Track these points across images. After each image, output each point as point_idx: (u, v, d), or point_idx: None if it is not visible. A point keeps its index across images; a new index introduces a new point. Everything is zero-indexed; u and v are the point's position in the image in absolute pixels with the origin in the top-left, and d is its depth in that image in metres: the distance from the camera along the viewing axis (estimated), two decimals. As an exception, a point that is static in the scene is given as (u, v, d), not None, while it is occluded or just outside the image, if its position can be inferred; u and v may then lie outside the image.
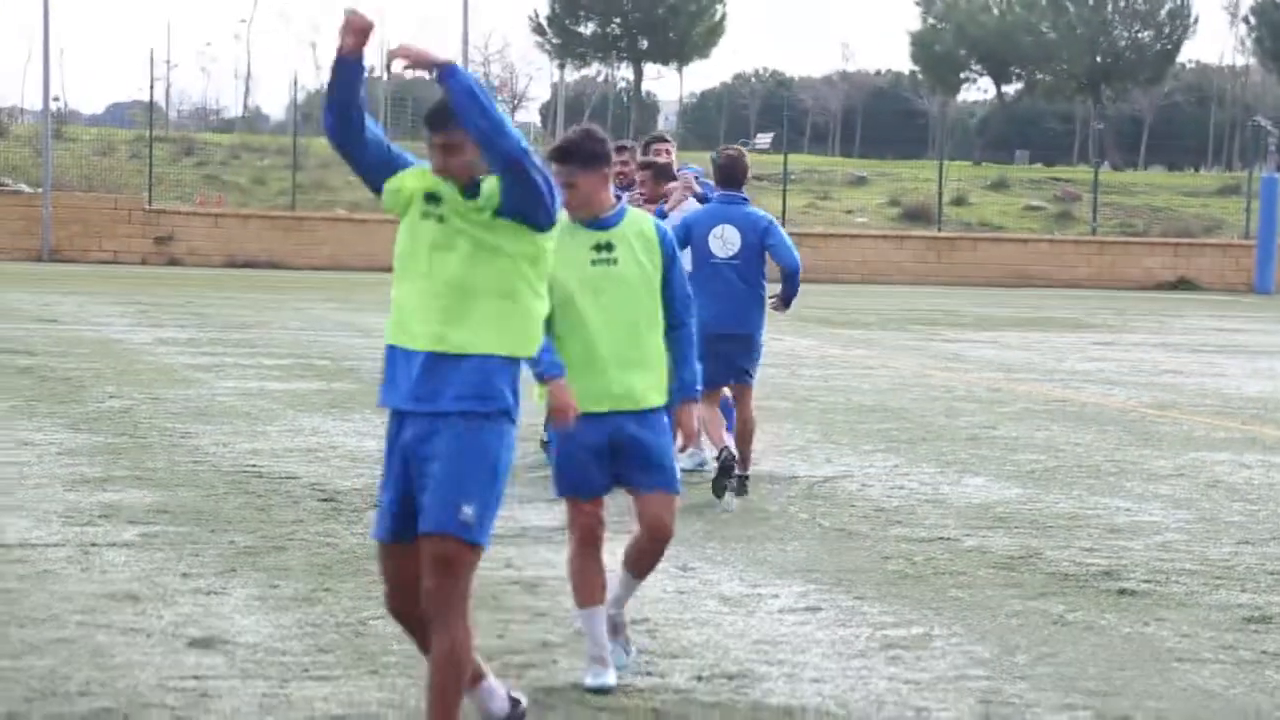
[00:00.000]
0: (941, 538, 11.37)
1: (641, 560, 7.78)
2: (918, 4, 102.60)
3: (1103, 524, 12.02)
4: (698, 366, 7.55)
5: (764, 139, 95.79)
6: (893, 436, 16.32)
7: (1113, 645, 8.64)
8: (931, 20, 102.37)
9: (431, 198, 6.05)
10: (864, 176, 69.76)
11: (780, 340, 27.95)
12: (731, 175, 12.92)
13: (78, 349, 21.66)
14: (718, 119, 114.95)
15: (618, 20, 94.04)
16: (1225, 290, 51.36)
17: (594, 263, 7.29)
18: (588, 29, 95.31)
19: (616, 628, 7.74)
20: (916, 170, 69.17)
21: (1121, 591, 9.85)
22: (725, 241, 12.74)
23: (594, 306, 7.26)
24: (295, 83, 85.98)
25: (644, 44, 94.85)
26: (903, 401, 19.33)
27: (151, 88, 61.99)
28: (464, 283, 6.00)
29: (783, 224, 55.28)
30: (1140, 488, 13.67)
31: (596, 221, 7.30)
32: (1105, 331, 31.14)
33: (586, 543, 7.53)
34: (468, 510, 5.99)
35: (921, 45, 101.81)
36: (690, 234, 12.71)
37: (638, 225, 7.40)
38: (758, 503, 12.46)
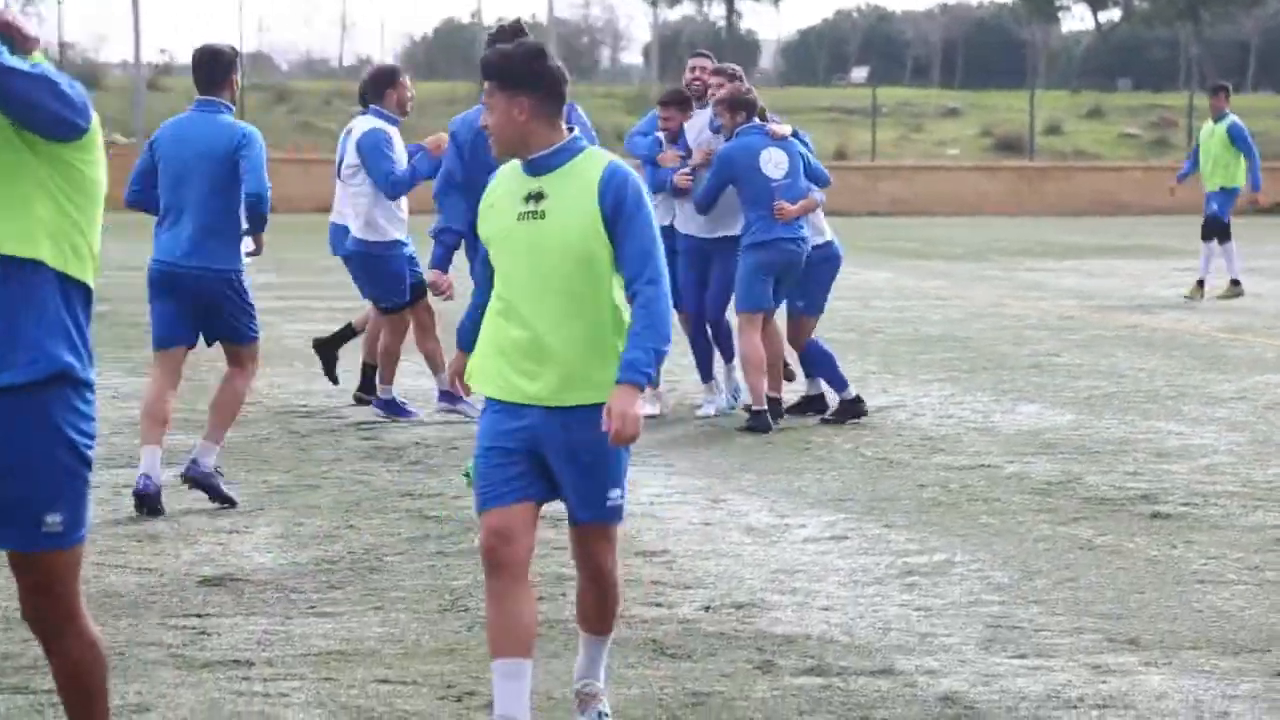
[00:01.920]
0: (983, 465, 11.29)
1: (586, 613, 6.14)
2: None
3: (1151, 448, 11.89)
4: (653, 349, 5.68)
5: (859, 73, 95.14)
6: (954, 366, 16.20)
7: (1135, 569, 8.56)
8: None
9: None
10: (957, 108, 69.17)
11: (857, 274, 27.77)
12: (752, 107, 12.91)
13: (151, 296, 21.82)
14: (819, 55, 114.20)
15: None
16: (1325, 214, 50.53)
17: (519, 216, 5.73)
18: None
19: (584, 700, 6.16)
20: (1012, 100, 68.51)
21: (1155, 515, 9.75)
22: (776, 164, 12.70)
23: (518, 271, 5.72)
24: (382, 28, 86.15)
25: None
26: (970, 331, 19.18)
27: (240, 35, 62.04)
28: None
29: (873, 158, 54.98)
30: (1197, 411, 13.51)
31: (531, 163, 5.75)
32: (1191, 257, 30.66)
33: (496, 570, 5.74)
34: (50, 520, 4.77)
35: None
36: (735, 167, 12.62)
37: (585, 168, 5.75)
38: (802, 434, 12.41)
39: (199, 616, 7.38)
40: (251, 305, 9.87)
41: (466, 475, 10.19)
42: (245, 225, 9.89)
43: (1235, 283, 23.15)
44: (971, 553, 8.89)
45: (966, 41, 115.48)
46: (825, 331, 18.76)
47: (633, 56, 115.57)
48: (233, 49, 10.23)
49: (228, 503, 9.60)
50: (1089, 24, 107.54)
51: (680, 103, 13.42)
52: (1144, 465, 11.27)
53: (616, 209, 5.67)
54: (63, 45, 55.03)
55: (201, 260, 9.70)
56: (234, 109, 10.05)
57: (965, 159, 57.09)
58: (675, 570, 8.43)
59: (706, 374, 13.45)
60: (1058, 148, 60.31)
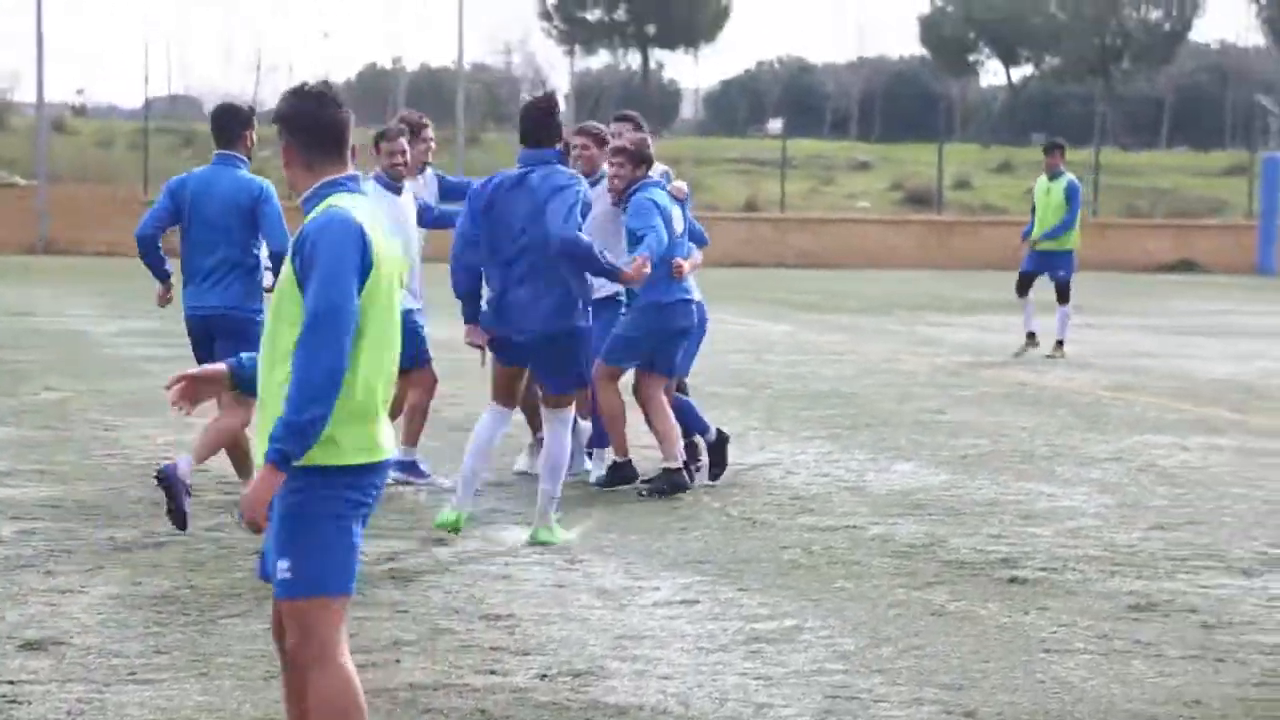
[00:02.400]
0: (848, 526, 11.19)
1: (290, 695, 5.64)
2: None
3: (1019, 510, 11.83)
4: (283, 420, 5.20)
5: (775, 124, 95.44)
6: (836, 423, 16.12)
7: (984, 636, 8.46)
8: (939, 2, 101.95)
9: None
10: (868, 161, 69.46)
11: (755, 326, 27.78)
12: (651, 160, 12.65)
13: (37, 341, 21.55)
14: (740, 106, 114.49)
15: (624, 5, 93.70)
16: (1228, 272, 50.95)
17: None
18: (594, 15, 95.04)
19: None
20: (922, 154, 68.85)
21: (1012, 580, 9.67)
22: (678, 221, 12.43)
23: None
24: (289, 69, 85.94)
25: (651, 30, 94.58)
26: (859, 387, 19.13)
27: (146, 79, 61.70)
28: None
29: (782, 210, 55.00)
30: (1070, 472, 13.47)
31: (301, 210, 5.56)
32: (1091, 314, 30.82)
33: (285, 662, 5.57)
34: None
35: (930, 28, 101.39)
36: (667, 217, 12.17)
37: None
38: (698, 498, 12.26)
39: (11, 684, 7.15)
40: None
41: (449, 524, 10.40)
42: (268, 265, 10.95)
43: (1060, 344, 22.96)
44: (822, 618, 8.77)
45: (885, 95, 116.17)
46: (716, 385, 18.73)
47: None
48: (250, 107, 11.30)
49: (179, 520, 10.04)
50: (998, 78, 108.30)
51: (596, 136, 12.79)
52: (1009, 528, 11.20)
53: (304, 264, 5.32)
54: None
55: (230, 302, 10.81)
56: (249, 163, 11.03)
57: (874, 212, 57.29)
58: (517, 635, 8.27)
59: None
60: (966, 202, 60.61)
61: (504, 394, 10.64)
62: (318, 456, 5.29)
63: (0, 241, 44.95)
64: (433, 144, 12.90)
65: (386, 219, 5.71)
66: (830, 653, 8.11)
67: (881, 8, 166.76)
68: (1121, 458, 14.23)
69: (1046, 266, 22.79)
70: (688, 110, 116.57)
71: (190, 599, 8.70)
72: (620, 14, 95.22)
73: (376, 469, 5.43)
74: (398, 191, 12.09)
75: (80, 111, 78.40)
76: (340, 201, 5.41)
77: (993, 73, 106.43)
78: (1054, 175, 22.85)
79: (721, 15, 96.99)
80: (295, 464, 5.25)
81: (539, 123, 10.51)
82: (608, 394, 12.31)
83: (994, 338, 26.14)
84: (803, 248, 52.02)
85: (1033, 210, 23.10)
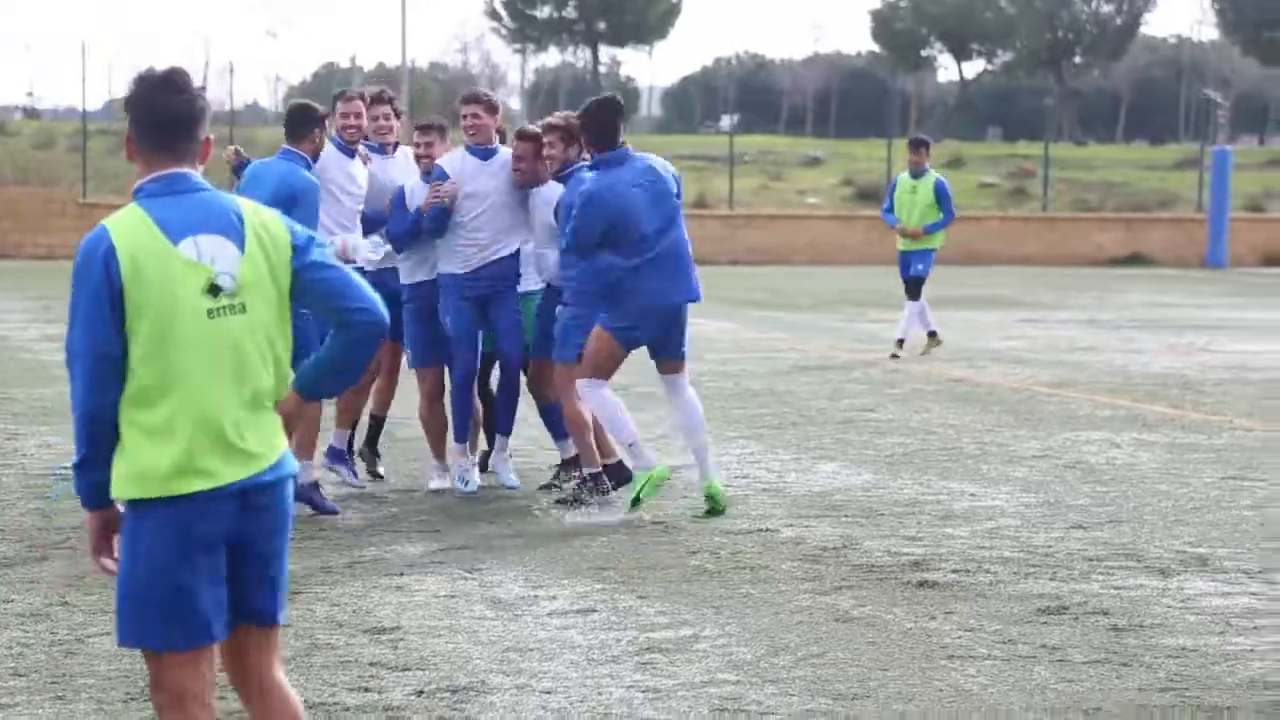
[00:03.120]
0: (761, 529, 10.90)
1: None
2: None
3: (938, 510, 11.55)
4: (74, 459, 5.08)
5: (729, 121, 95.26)
6: (764, 422, 15.83)
7: (887, 642, 8.18)
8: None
9: None
10: (819, 157, 69.28)
11: (695, 324, 27.44)
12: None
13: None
14: (698, 102, 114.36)
15: (573, 2, 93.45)
16: (1178, 265, 50.82)
17: None
18: (543, 12, 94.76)
19: None
20: (874, 150, 68.69)
21: (922, 584, 9.38)
22: None
23: None
24: (231, 71, 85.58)
25: (601, 26, 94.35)
26: (792, 385, 18.84)
27: (84, 81, 61.25)
28: None
29: (731, 206, 54.69)
30: (996, 471, 13.20)
31: None
32: (1035, 309, 30.65)
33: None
34: None
35: (882, 23, 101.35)
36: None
37: None
38: (584, 497, 11.93)
39: None
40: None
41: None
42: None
43: (933, 334, 22.37)
44: (721, 626, 8.48)
45: (841, 91, 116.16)
46: (645, 384, 18.39)
47: (512, 102, 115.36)
48: (323, 110, 11.40)
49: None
50: (949, 73, 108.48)
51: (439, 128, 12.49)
52: (926, 529, 10.92)
53: None
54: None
55: None
56: (312, 161, 11.18)
57: (825, 208, 57.06)
58: (400, 650, 7.95)
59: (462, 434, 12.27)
60: (918, 197, 60.43)
61: (607, 372, 11.30)
62: (127, 490, 4.93)
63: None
64: (385, 122, 12.33)
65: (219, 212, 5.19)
66: (724, 662, 7.81)
67: (836, 4, 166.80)
68: (1049, 455, 13.97)
69: (911, 262, 22.12)
70: (648, 107, 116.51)
71: (61, 617, 8.36)
72: (569, 11, 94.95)
73: (200, 499, 4.97)
74: (350, 155, 11.77)
75: (32, 114, 77.85)
76: (119, 216, 5.02)
77: (946, 68, 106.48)
78: (919, 173, 21.88)
79: (671, 13, 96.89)
80: (120, 499, 4.94)
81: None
82: (572, 397, 11.74)
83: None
84: (752, 244, 51.73)
85: (890, 202, 22.10)
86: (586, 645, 8.09)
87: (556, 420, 12.13)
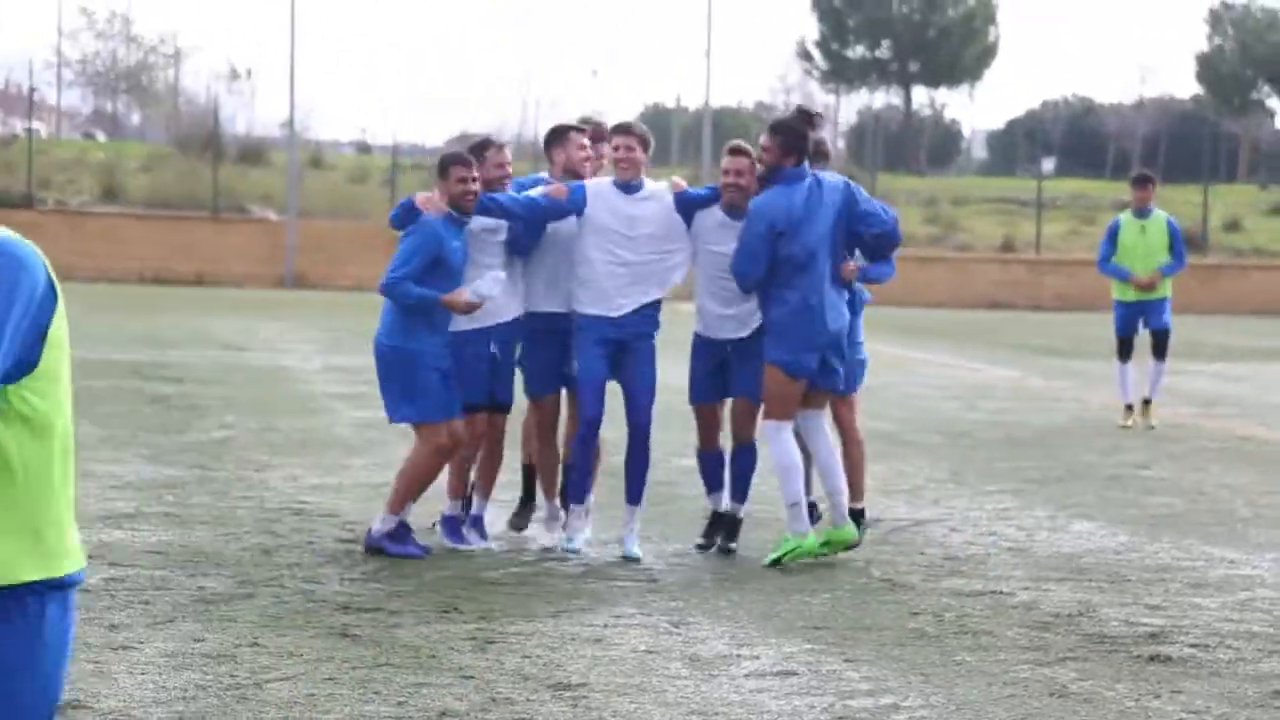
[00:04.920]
0: (994, 591, 10.38)
1: None
2: (1206, 22, 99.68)
3: (1191, 578, 10.90)
4: None
5: (1048, 164, 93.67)
6: (1026, 476, 15.23)
7: (1099, 723, 7.64)
8: (1218, 40, 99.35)
9: None
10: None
11: (980, 371, 26.86)
12: None
13: (234, 376, 21.43)
14: (1020, 145, 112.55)
15: (887, 43, 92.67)
16: None
17: None
18: (856, 52, 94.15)
19: None
20: (1191, 195, 66.90)
21: (1154, 658, 8.79)
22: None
23: None
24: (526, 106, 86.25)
25: (913, 67, 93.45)
26: (1065, 438, 18.17)
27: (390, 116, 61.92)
28: None
29: (1038, 251, 53.39)
30: (1265, 536, 12.47)
31: None
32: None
33: None
34: None
35: (1207, 66, 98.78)
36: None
37: None
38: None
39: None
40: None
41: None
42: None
43: (1147, 403, 19.58)
44: (926, 696, 8.01)
45: (1170, 135, 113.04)
46: (914, 433, 17.92)
47: (837, 142, 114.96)
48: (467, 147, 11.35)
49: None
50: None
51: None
52: (1172, 598, 10.29)
53: None
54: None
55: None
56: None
57: (1135, 254, 55.61)
58: (579, 709, 7.63)
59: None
60: (1236, 244, 58.64)
61: (792, 410, 10.95)
62: None
63: (250, 276, 45.55)
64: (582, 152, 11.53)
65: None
66: (918, 737, 7.36)
67: (1164, 45, 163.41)
68: (1326, 521, 13.18)
69: (1142, 315, 19.58)
70: (969, 150, 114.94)
71: (246, 659, 8.20)
72: (883, 51, 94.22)
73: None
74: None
75: (364, 149, 79.45)
76: None
77: (1276, 113, 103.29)
78: (1144, 212, 19.57)
79: (988, 54, 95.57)
80: None
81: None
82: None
83: (1227, 388, 24.95)
84: (1059, 289, 50.69)
85: (1108, 248, 19.56)
86: (776, 711, 7.70)
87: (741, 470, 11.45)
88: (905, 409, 20.17)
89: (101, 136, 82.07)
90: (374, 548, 10.71)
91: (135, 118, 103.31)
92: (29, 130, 56.70)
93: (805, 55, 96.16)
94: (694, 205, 11.22)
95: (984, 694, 8.08)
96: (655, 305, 11.21)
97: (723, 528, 11.45)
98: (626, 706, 7.70)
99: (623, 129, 11.29)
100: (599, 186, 11.16)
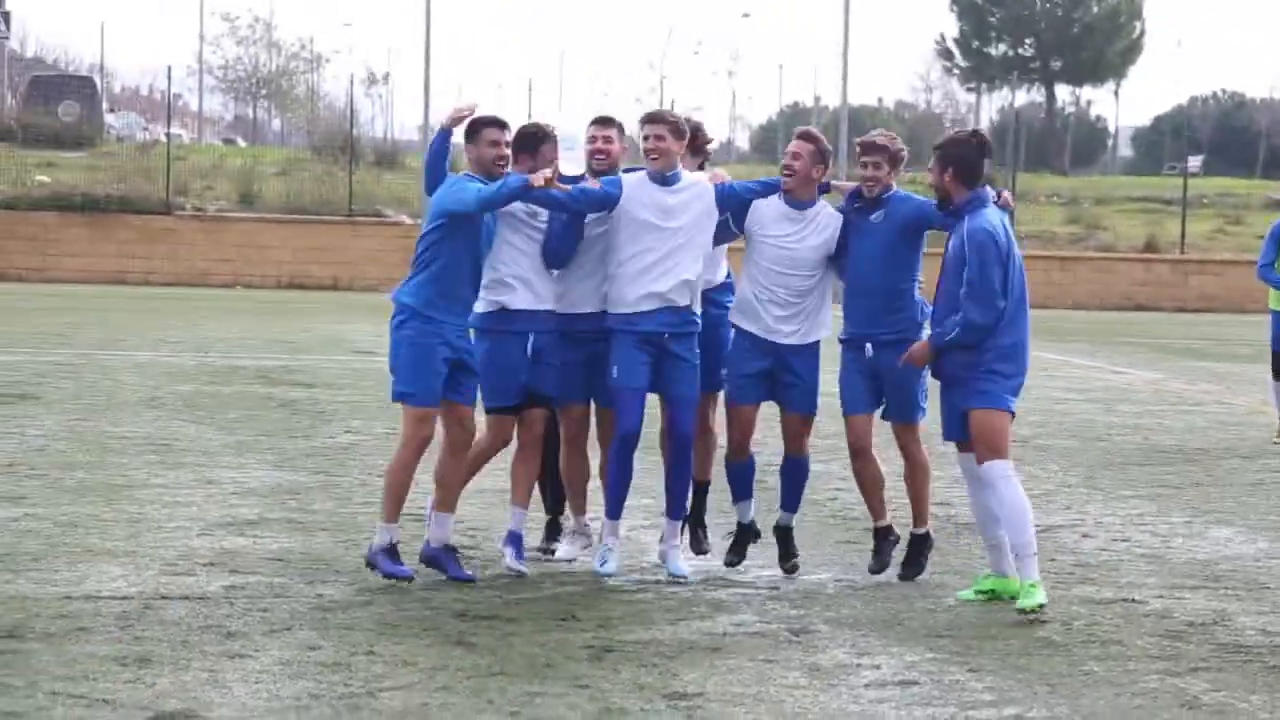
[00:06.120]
0: (1127, 599, 10.13)
1: None
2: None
3: (1333, 586, 10.60)
4: None
5: (1194, 162, 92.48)
6: (1162, 482, 14.90)
7: (1229, 737, 7.40)
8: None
9: None
10: (1280, 199, 66.53)
11: (1121, 374, 26.45)
12: None
13: (364, 381, 21.43)
14: (1168, 143, 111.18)
15: (1030, 40, 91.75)
16: None
17: None
18: (998, 50, 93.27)
19: None
20: (1342, 193, 65.76)
21: (1290, 669, 8.53)
22: None
23: None
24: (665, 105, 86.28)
25: (1057, 65, 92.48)
26: (1207, 442, 17.80)
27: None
28: None
29: (1182, 251, 52.54)
30: None
31: None
32: None
33: None
34: None
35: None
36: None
37: None
38: (942, 557, 11.28)
39: (109, 758, 6.66)
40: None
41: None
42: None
43: None
44: (1051, 707, 7.80)
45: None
46: (1049, 437, 17.62)
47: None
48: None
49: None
50: None
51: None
52: (1311, 606, 10.01)
53: None
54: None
55: None
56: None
57: (1282, 252, 54.66)
58: (695, 718, 7.50)
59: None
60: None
61: (1006, 449, 9.93)
62: None
63: (379, 279, 45.67)
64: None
65: None
66: (1041, 751, 7.16)
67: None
68: None
69: None
70: (1113, 148, 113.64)
71: (361, 667, 8.12)
72: (1025, 49, 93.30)
73: None
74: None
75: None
76: None
77: None
78: None
79: (1133, 50, 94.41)
80: None
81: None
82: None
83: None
84: (1204, 290, 49.98)
85: (1272, 248, 18.04)
86: (896, 722, 7.53)
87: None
88: (1041, 412, 19.85)
89: (242, 142, 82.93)
90: (370, 563, 10.08)
91: (275, 123, 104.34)
92: (168, 136, 57.38)
93: (945, 53, 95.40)
94: (740, 198, 10.47)
95: (1111, 705, 7.86)
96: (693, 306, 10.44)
97: (750, 540, 10.82)
98: (743, 717, 7.55)
99: (652, 117, 10.41)
100: (636, 179, 10.36)
